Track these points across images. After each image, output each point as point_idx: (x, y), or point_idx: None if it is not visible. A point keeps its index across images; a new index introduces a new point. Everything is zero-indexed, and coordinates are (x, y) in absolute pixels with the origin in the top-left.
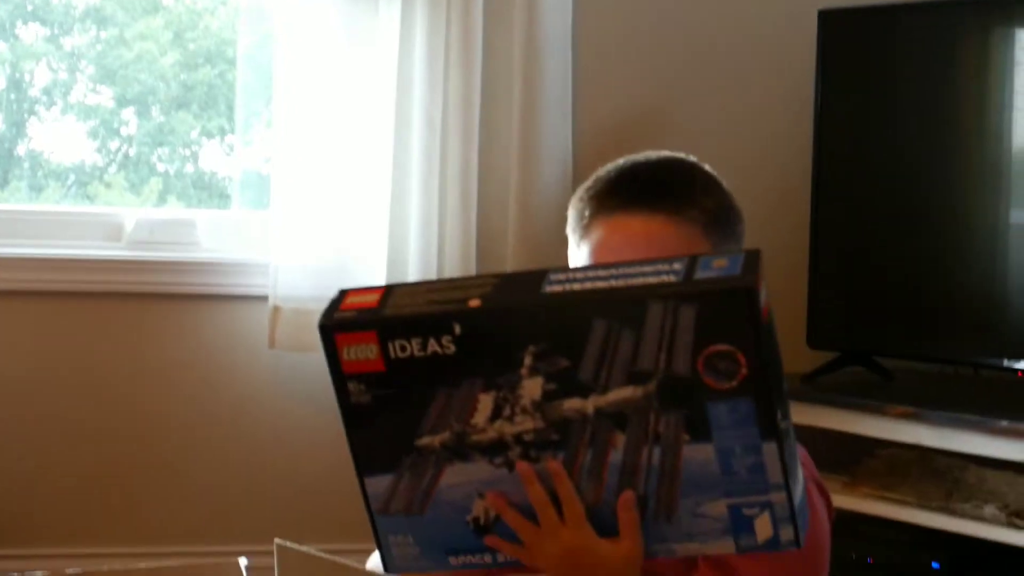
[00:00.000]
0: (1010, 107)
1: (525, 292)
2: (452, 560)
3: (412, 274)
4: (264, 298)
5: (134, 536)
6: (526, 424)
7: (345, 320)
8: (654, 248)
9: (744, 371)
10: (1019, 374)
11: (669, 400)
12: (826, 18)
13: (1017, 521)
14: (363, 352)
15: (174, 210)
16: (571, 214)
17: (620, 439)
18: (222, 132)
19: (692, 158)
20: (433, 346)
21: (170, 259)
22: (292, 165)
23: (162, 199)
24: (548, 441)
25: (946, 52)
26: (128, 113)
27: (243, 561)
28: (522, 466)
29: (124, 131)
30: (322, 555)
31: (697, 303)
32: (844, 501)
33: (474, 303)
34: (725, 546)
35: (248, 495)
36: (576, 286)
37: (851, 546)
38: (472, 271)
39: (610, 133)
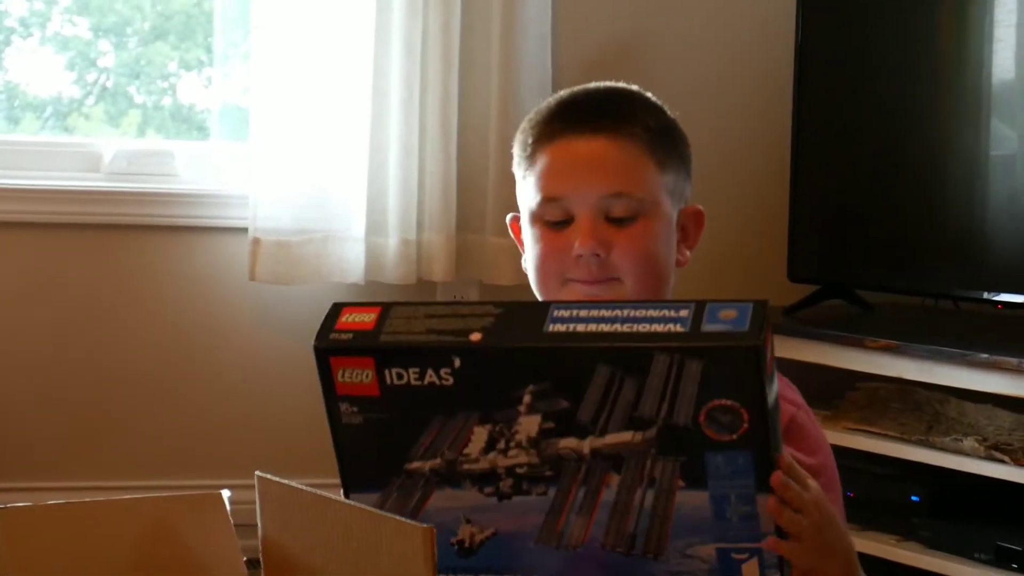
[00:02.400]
0: (990, 38)
1: (528, 329)
2: None
3: (392, 207)
4: (244, 230)
5: (114, 469)
6: (520, 458)
7: (341, 344)
8: (599, 170)
9: (746, 426)
10: (999, 306)
11: (668, 447)
12: None
13: (996, 454)
14: (358, 376)
15: (153, 141)
16: (515, 149)
17: (614, 480)
18: (200, 64)
19: (634, 87)
20: (431, 377)
21: (149, 190)
22: (271, 96)
23: (140, 132)
24: (541, 476)
25: None
26: (105, 44)
27: (226, 493)
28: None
29: (101, 62)
30: (303, 488)
31: (704, 358)
32: (825, 435)
33: (475, 337)
34: None
35: (229, 428)
36: (580, 327)
37: None
38: (452, 201)
39: (590, 58)
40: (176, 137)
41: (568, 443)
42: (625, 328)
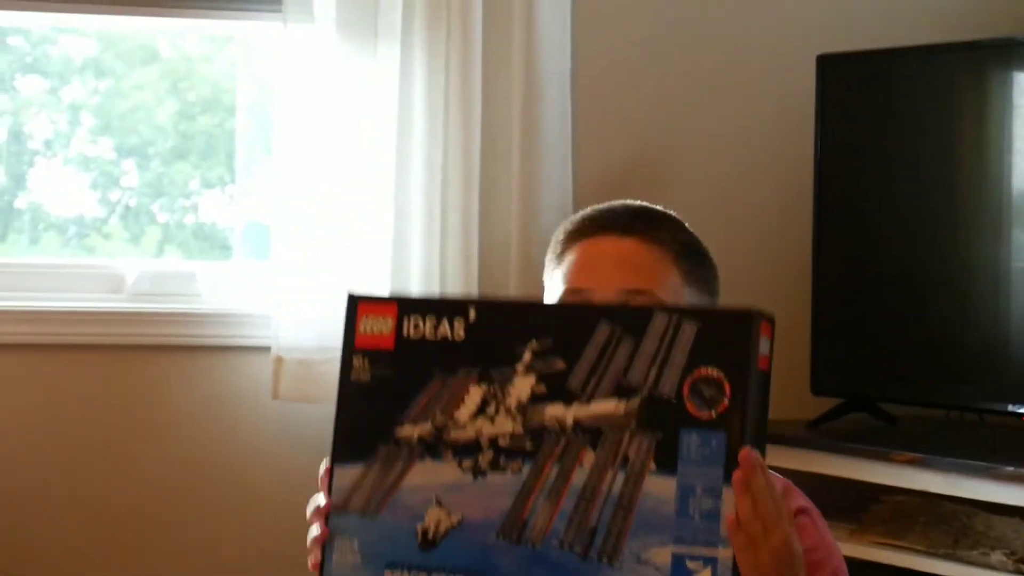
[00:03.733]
0: (1009, 150)
1: (541, 298)
2: (387, 575)
3: None
4: (267, 349)
5: None
6: (505, 427)
7: (372, 295)
8: (626, 265)
9: (726, 403)
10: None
11: (647, 420)
12: (825, 63)
13: (1023, 568)
14: (378, 326)
15: (175, 261)
16: (548, 255)
17: (589, 458)
18: (222, 182)
19: (672, 212)
20: (445, 328)
21: (172, 311)
22: (293, 214)
23: (161, 250)
24: (520, 449)
25: (945, 96)
26: (128, 164)
27: None
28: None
29: (124, 182)
30: None
31: (699, 321)
32: (851, 549)
33: (492, 298)
34: None
35: (252, 546)
36: (591, 297)
37: None
38: None
39: (610, 180)
40: (199, 255)
41: (554, 411)
42: (632, 300)
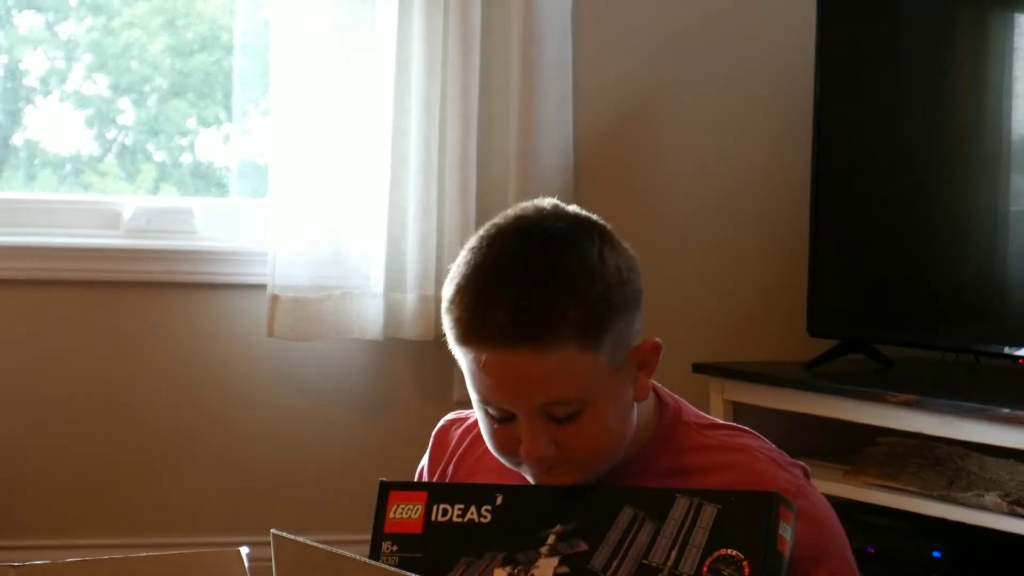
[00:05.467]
0: (1009, 93)
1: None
2: None
3: (410, 263)
4: (262, 287)
5: (132, 526)
6: None
7: (403, 483)
8: (528, 383)
9: None
10: (1020, 361)
11: None
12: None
13: (1018, 509)
14: (408, 512)
15: (172, 198)
16: (443, 320)
17: None
18: (219, 121)
19: (560, 226)
20: (472, 514)
21: (168, 248)
22: (290, 153)
23: (156, 188)
24: None
25: (946, 37)
26: (124, 102)
27: (244, 550)
28: None
29: (120, 120)
30: (318, 545)
31: (719, 503)
32: (845, 490)
33: (520, 485)
34: None
35: (246, 485)
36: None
37: (852, 536)
38: None
39: (610, 117)
40: (195, 194)
41: None
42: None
